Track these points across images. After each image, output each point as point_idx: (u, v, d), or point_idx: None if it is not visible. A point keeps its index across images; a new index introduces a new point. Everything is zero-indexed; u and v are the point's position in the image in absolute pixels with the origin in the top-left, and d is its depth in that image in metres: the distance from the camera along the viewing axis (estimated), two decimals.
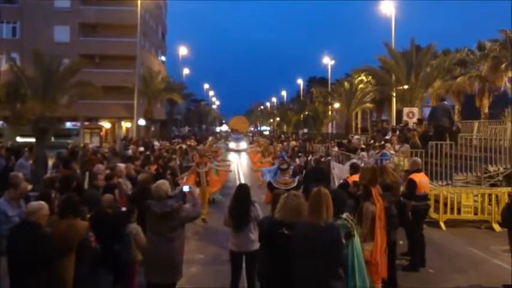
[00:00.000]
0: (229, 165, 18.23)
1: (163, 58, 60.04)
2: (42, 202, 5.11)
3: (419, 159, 9.79)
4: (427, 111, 52.60)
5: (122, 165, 8.95)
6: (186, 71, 65.64)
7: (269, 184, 9.27)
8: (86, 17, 43.79)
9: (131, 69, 40.44)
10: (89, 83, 21.85)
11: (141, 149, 19.41)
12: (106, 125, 45.49)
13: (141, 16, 37.79)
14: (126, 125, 46.69)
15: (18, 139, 34.65)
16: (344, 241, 4.64)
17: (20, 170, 11.64)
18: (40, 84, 18.79)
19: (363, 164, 13.99)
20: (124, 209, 6.61)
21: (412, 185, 8.68)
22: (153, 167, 12.63)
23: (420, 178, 8.85)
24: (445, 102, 15.31)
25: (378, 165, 10.95)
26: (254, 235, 6.32)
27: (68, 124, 42.85)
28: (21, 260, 4.74)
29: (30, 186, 8.00)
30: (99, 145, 26.08)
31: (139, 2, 36.00)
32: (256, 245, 6.12)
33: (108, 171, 8.62)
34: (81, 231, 5.20)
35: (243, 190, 6.66)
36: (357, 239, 5.16)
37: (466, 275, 8.59)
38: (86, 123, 43.74)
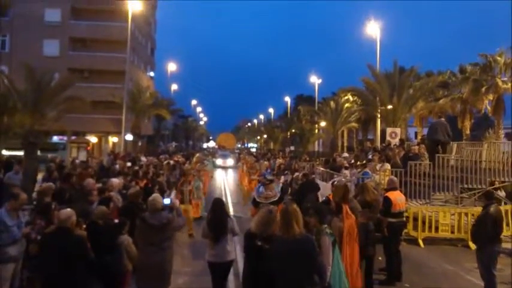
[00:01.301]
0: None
1: (151, 74, 60.45)
2: (71, 210, 5.66)
3: (395, 178, 10.29)
4: (411, 131, 53.86)
5: (115, 180, 9.30)
6: (174, 86, 66.14)
7: (253, 200, 9.71)
8: (76, 32, 44.22)
9: (120, 84, 40.61)
10: (78, 98, 22.13)
11: (129, 164, 19.70)
12: (93, 139, 45.51)
13: (131, 32, 38.21)
14: (113, 139, 46.80)
15: (4, 152, 34.61)
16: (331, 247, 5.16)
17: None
18: (30, 98, 19.04)
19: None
20: (116, 221, 6.96)
21: (387, 202, 9.15)
22: (142, 182, 12.96)
23: (396, 196, 9.33)
24: (443, 119, 16.05)
25: (359, 183, 11.49)
26: (230, 246, 6.82)
27: (55, 138, 42.82)
28: (58, 260, 5.27)
29: None
30: (86, 159, 26.18)
31: (129, 18, 36.44)
32: (232, 256, 6.80)
33: (99, 185, 8.96)
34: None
35: (218, 204, 7.10)
36: (337, 249, 5.59)
37: None
38: (73, 137, 43.73)
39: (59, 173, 14.30)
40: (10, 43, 43.17)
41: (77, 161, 20.10)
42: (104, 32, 44.12)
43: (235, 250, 7.30)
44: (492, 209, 8.23)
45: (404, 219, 10.23)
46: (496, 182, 14.03)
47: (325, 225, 5.66)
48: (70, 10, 44.20)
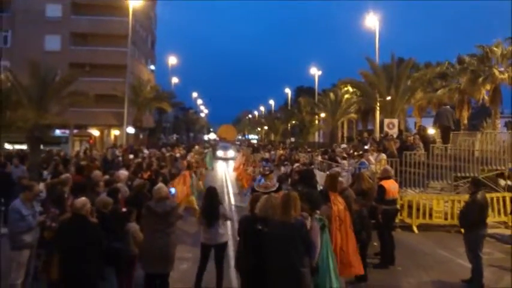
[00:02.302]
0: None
1: (152, 67, 60.72)
2: (85, 199, 6.14)
3: (389, 167, 10.77)
4: (410, 121, 54.22)
5: (122, 172, 9.79)
6: (175, 79, 66.45)
7: (252, 189, 10.17)
8: (77, 27, 44.45)
9: (121, 78, 40.93)
10: (82, 93, 22.59)
11: (131, 156, 20.19)
12: (95, 132, 45.97)
13: (132, 26, 38.48)
14: (114, 132, 47.26)
15: (7, 146, 35.11)
16: (320, 231, 5.69)
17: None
18: (35, 93, 19.50)
19: (344, 172, 15.03)
20: (124, 209, 7.42)
21: (381, 190, 9.60)
22: (146, 174, 13.43)
23: (389, 184, 9.78)
24: (448, 107, 16.59)
25: (356, 173, 11.96)
26: (222, 230, 7.64)
27: (57, 132, 43.24)
28: (75, 245, 5.72)
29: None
30: (85, 152, 26.56)
31: (130, 12, 36.73)
32: (224, 238, 7.66)
33: (107, 177, 9.45)
34: None
35: (211, 192, 7.91)
36: (327, 233, 6.04)
37: (431, 272, 9.53)
38: (75, 130, 44.16)
39: (64, 166, 14.81)
40: (12, 38, 43.46)
41: (81, 155, 20.61)
42: (105, 26, 44.36)
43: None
44: (479, 195, 8.70)
45: (398, 206, 10.70)
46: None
47: (317, 211, 6.11)
48: (71, 5, 44.40)
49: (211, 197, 7.75)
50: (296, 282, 5.27)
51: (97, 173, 9.77)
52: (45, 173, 15.92)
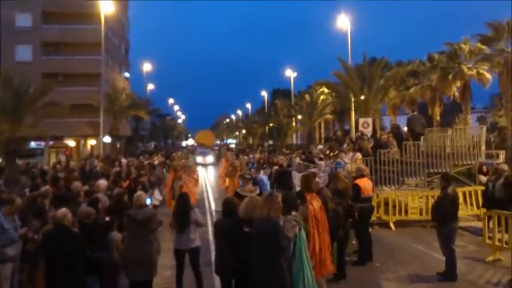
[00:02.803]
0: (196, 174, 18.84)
1: (127, 74, 60.34)
2: (66, 209, 6.23)
3: (363, 166, 11.09)
4: (386, 119, 55.08)
5: (102, 182, 9.87)
6: (150, 86, 66.08)
7: (236, 193, 10.30)
8: (48, 36, 43.89)
9: (95, 87, 40.56)
10: (57, 103, 22.42)
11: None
12: (71, 143, 45.42)
13: (104, 34, 38.22)
14: (91, 142, 46.81)
15: None
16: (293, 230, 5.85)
17: None
18: (9, 105, 19.31)
19: (321, 173, 15.30)
20: (108, 219, 7.52)
21: (356, 189, 9.89)
22: (125, 183, 13.49)
23: (364, 183, 10.07)
24: (416, 113, 16.94)
25: (332, 172, 12.23)
26: (193, 235, 7.78)
27: (32, 143, 42.60)
28: (59, 255, 5.81)
29: None
30: (67, 164, 26.40)
31: (102, 19, 36.49)
32: (196, 243, 7.81)
33: (86, 188, 9.52)
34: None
35: (183, 198, 8.10)
36: (303, 233, 6.24)
37: (408, 266, 9.86)
38: (51, 142, 43.58)
39: (41, 178, 14.74)
40: None
41: (58, 166, 20.45)
42: (77, 35, 43.97)
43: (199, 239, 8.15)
44: (450, 190, 9.05)
45: (373, 203, 11.00)
46: (484, 167, 15.02)
47: (294, 212, 6.31)
48: (41, 14, 43.90)
49: (183, 203, 7.95)
50: (279, 278, 5.47)
51: (77, 183, 9.83)
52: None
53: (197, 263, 7.94)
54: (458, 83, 32.82)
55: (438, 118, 37.07)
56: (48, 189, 9.00)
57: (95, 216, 7.33)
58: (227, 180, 19.63)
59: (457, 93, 33.89)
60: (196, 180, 17.16)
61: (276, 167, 18.73)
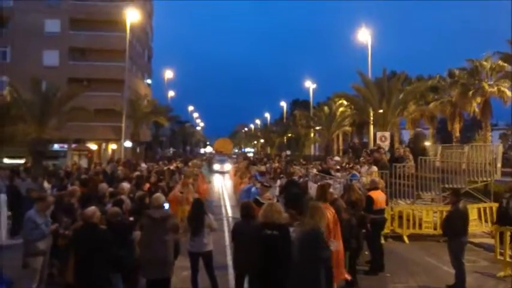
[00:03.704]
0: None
1: (149, 81, 61.43)
2: (95, 208, 6.72)
3: (377, 179, 11.36)
4: (405, 133, 54.94)
5: (125, 185, 10.37)
6: (171, 93, 67.08)
7: (256, 200, 10.65)
8: (75, 42, 45.16)
9: (118, 93, 41.53)
10: (82, 108, 23.16)
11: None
12: (92, 146, 46.41)
13: (129, 41, 39.13)
14: (112, 146, 47.75)
15: (6, 160, 35.48)
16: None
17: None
18: (37, 109, 20.05)
19: (336, 184, 15.57)
20: (131, 219, 7.95)
21: (370, 201, 10.18)
22: (145, 187, 13.96)
23: (377, 195, 10.36)
24: (419, 129, 17.20)
25: (346, 184, 12.52)
26: (207, 239, 8.21)
27: (56, 146, 43.65)
28: (88, 250, 6.26)
29: None
30: (88, 167, 27.13)
31: (127, 27, 37.40)
32: (209, 247, 8.25)
33: (111, 189, 10.01)
34: None
35: (198, 204, 8.55)
36: None
37: (418, 278, 10.09)
38: (74, 145, 44.59)
39: (66, 179, 15.36)
40: (11, 54, 44.10)
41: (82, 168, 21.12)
42: (102, 41, 45.14)
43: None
44: (461, 205, 9.29)
45: (385, 215, 11.25)
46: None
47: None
48: (69, 21, 45.18)
49: (197, 208, 8.37)
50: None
51: (103, 185, 10.37)
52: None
53: (211, 266, 8.36)
54: (478, 100, 32.81)
55: (458, 134, 36.95)
56: (75, 189, 9.51)
57: (121, 216, 7.76)
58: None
59: (477, 110, 33.82)
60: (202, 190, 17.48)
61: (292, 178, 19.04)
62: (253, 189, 11.85)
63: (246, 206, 7.56)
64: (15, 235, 12.88)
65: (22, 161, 34.11)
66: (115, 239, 7.10)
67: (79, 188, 9.98)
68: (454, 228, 9.11)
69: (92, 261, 6.22)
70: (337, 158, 24.41)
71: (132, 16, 37.90)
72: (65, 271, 6.74)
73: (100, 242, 6.34)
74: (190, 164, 29.98)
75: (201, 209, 8.38)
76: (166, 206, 8.41)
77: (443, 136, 51.96)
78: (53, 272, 7.64)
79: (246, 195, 13.22)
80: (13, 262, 8.38)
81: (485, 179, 15.34)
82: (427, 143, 19.98)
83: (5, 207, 12.84)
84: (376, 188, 10.52)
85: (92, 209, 6.59)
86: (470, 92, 32.31)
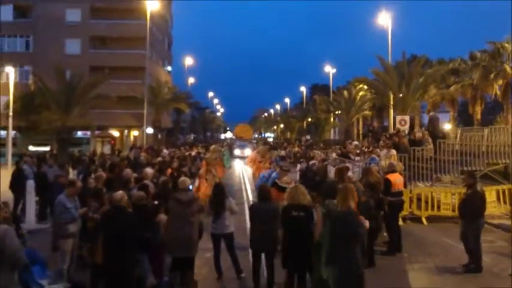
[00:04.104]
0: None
1: (169, 68, 61.89)
2: (123, 192, 7.05)
3: (394, 162, 11.56)
4: (426, 118, 54.33)
5: (149, 170, 10.77)
6: (191, 80, 67.55)
7: (275, 184, 10.88)
8: (96, 30, 45.89)
9: (139, 80, 42.10)
10: (105, 96, 23.67)
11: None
12: (115, 133, 47.26)
13: (149, 29, 39.56)
14: (133, 133, 48.53)
15: (31, 148, 36.51)
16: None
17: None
18: (62, 97, 20.61)
19: (355, 168, 15.76)
20: (156, 202, 8.32)
21: (387, 183, 10.37)
22: (168, 172, 14.37)
23: (395, 178, 10.54)
24: (432, 113, 17.21)
25: (365, 167, 12.72)
26: (228, 221, 8.67)
27: (79, 133, 44.55)
28: (116, 233, 6.62)
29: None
30: (111, 153, 27.76)
31: (148, 15, 37.78)
32: (230, 229, 8.72)
33: (135, 175, 10.41)
34: None
35: (219, 187, 9.06)
36: None
37: (436, 258, 10.31)
38: (96, 132, 45.45)
39: (92, 165, 15.89)
40: (33, 43, 45.00)
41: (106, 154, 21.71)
42: (123, 29, 45.69)
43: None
44: (479, 187, 9.43)
45: (403, 198, 11.42)
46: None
47: (327, 201, 6.90)
48: (90, 9, 45.81)
49: (218, 192, 8.83)
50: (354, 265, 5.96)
51: (128, 170, 10.78)
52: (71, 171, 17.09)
53: (232, 247, 8.79)
54: (500, 82, 32.39)
55: (479, 117, 36.54)
56: (101, 174, 9.93)
57: (146, 200, 8.13)
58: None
59: (498, 92, 33.40)
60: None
61: (312, 162, 19.24)
62: (273, 174, 12.07)
63: (262, 189, 8.17)
64: (43, 220, 13.50)
65: (47, 149, 35.17)
66: (141, 221, 7.50)
67: (107, 173, 10.40)
68: (473, 209, 9.25)
69: (121, 243, 6.58)
70: (355, 143, 24.52)
71: (152, 4, 38.24)
72: (94, 252, 7.11)
73: (128, 225, 6.68)
74: (211, 148, 30.42)
75: (222, 193, 8.80)
76: (190, 187, 8.82)
77: (464, 119, 51.39)
78: (83, 253, 8.05)
79: (265, 180, 13.45)
80: (43, 245, 8.87)
81: (504, 161, 15.34)
82: (447, 126, 19.94)
83: (33, 193, 13.44)
84: (394, 171, 10.70)
85: (120, 193, 6.93)
86: (492, 75, 31.91)
